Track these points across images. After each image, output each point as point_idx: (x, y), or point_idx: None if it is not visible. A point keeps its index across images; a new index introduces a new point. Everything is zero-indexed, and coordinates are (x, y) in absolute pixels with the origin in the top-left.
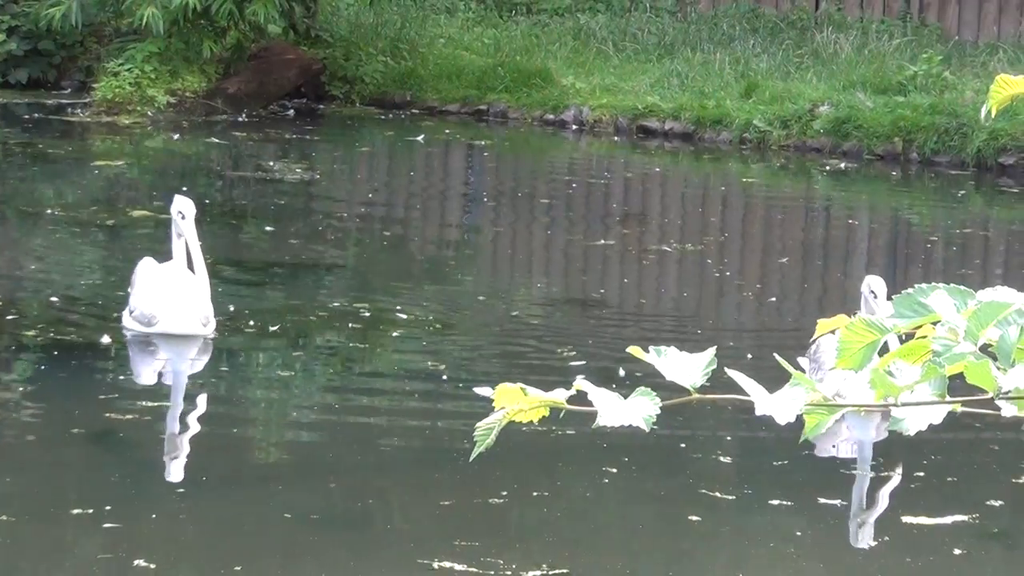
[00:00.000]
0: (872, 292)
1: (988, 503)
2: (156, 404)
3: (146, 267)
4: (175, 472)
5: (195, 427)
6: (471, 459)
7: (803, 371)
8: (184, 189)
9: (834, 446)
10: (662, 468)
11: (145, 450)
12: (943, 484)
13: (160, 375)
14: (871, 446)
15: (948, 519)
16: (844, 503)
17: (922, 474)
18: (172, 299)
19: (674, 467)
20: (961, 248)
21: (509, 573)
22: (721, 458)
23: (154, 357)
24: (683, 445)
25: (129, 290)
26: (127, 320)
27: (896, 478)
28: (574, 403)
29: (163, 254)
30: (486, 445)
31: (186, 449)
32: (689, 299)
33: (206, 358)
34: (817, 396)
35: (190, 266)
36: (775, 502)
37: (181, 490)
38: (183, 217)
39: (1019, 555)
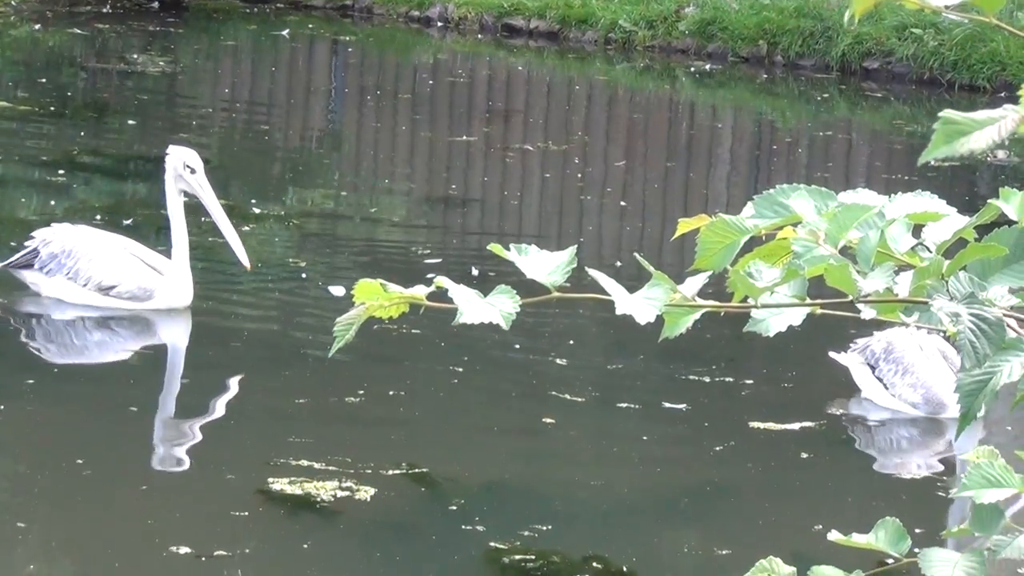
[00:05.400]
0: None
1: (833, 411)
2: None
3: (89, 233)
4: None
5: (40, 324)
6: (330, 355)
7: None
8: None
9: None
10: (506, 370)
11: None
12: (791, 390)
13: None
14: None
15: (795, 425)
16: (689, 408)
17: (771, 380)
18: (157, 270)
19: (517, 369)
20: (824, 151)
21: (368, 471)
22: (558, 360)
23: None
24: (517, 346)
25: (55, 259)
26: (81, 294)
27: (744, 383)
28: (434, 300)
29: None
30: (346, 341)
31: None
32: (551, 199)
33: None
34: (676, 296)
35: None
36: (623, 405)
37: (31, 381)
38: (192, 172)
39: (863, 461)
